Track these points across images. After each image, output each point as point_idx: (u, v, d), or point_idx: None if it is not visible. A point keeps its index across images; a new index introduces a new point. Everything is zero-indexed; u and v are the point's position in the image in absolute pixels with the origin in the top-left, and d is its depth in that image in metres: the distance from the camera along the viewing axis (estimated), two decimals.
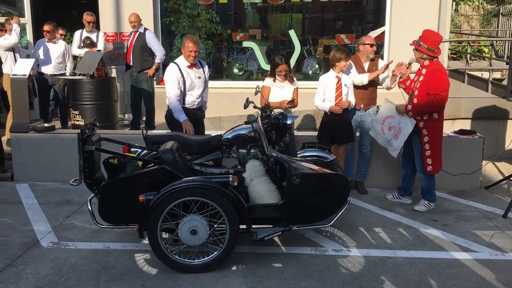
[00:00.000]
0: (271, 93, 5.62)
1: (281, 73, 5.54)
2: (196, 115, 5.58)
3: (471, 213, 5.29)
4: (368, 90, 5.74)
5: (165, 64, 8.92)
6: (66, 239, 4.51)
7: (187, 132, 5.18)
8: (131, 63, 7.67)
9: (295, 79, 5.80)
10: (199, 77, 5.50)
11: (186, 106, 5.48)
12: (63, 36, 8.14)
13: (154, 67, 7.54)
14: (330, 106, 5.48)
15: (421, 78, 5.03)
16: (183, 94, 5.43)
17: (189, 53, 5.28)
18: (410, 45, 5.15)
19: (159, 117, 8.66)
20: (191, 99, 5.50)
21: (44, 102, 8.01)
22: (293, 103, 5.55)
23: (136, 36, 7.58)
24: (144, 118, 7.83)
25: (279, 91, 5.62)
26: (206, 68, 5.67)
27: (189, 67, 5.39)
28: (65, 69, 7.97)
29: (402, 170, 5.54)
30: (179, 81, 5.34)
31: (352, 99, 5.57)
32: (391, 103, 5.29)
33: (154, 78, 7.87)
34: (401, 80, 5.34)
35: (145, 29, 7.59)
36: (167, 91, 5.39)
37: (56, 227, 4.80)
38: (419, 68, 5.14)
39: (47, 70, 7.80)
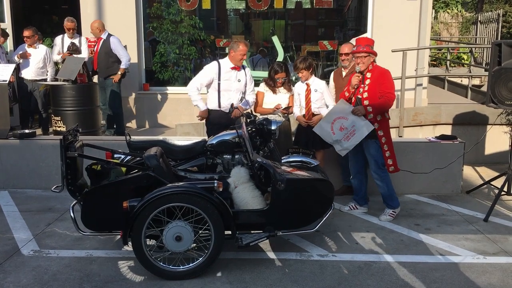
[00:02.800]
0: (265, 99, 5.72)
1: (278, 80, 5.62)
2: (232, 119, 5.53)
3: (453, 217, 5.36)
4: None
5: (148, 69, 9.00)
6: (47, 247, 4.44)
7: (199, 118, 5.64)
8: (98, 70, 7.64)
9: (292, 87, 5.85)
10: (239, 80, 5.57)
11: (222, 108, 5.54)
12: (40, 41, 8.07)
13: (119, 73, 7.44)
14: (297, 116, 5.67)
15: (368, 81, 5.03)
16: (218, 95, 5.53)
17: (242, 56, 5.44)
18: (354, 56, 5.05)
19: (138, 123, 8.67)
20: (226, 101, 5.52)
21: (25, 108, 7.90)
22: (288, 110, 5.64)
23: (101, 42, 7.57)
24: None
25: (274, 97, 5.70)
26: (248, 71, 5.72)
27: (233, 68, 5.50)
28: (46, 74, 7.88)
29: (353, 181, 5.42)
30: (211, 79, 5.50)
31: (329, 103, 5.60)
32: (347, 105, 5.10)
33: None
34: (353, 89, 5.15)
35: (109, 35, 7.56)
36: (193, 80, 5.61)
37: (37, 235, 4.72)
38: (360, 75, 5.06)
39: (27, 75, 7.70)
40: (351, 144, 5.08)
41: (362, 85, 5.09)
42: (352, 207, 5.48)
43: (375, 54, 5.10)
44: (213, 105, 5.61)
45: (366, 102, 5.01)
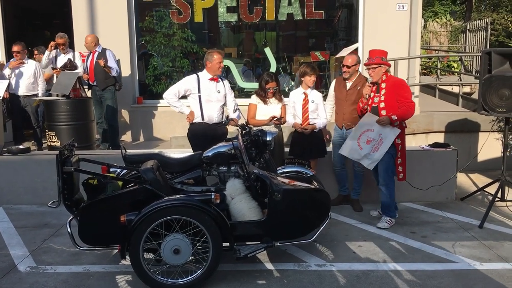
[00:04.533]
0: (258, 110, 5.67)
1: (269, 90, 5.60)
2: (216, 130, 5.52)
3: (448, 224, 5.39)
4: (349, 109, 5.65)
5: (141, 82, 9.02)
6: (44, 263, 4.41)
7: (188, 119, 5.53)
8: (94, 83, 7.64)
9: (283, 97, 5.84)
10: (219, 91, 5.56)
11: (205, 121, 5.51)
12: (41, 55, 8.12)
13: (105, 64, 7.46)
14: (294, 122, 5.68)
15: (383, 91, 5.13)
16: (200, 108, 5.49)
17: (218, 64, 5.45)
18: (367, 68, 5.18)
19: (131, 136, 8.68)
20: (209, 112, 5.50)
21: (18, 123, 7.88)
22: (280, 120, 5.60)
23: (95, 55, 7.58)
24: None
25: (266, 108, 5.65)
26: (226, 83, 5.73)
27: (211, 79, 5.50)
28: (38, 89, 7.87)
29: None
30: (187, 89, 5.49)
31: (322, 115, 5.67)
32: (371, 117, 5.18)
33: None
34: (366, 100, 5.28)
35: (103, 48, 7.63)
36: (170, 88, 5.57)
37: (34, 251, 4.69)
38: (374, 85, 5.19)
39: (19, 91, 7.69)
40: (381, 154, 5.13)
41: (377, 95, 5.18)
42: (381, 212, 5.45)
43: (387, 64, 5.18)
44: (197, 119, 5.53)
45: (383, 112, 5.09)
